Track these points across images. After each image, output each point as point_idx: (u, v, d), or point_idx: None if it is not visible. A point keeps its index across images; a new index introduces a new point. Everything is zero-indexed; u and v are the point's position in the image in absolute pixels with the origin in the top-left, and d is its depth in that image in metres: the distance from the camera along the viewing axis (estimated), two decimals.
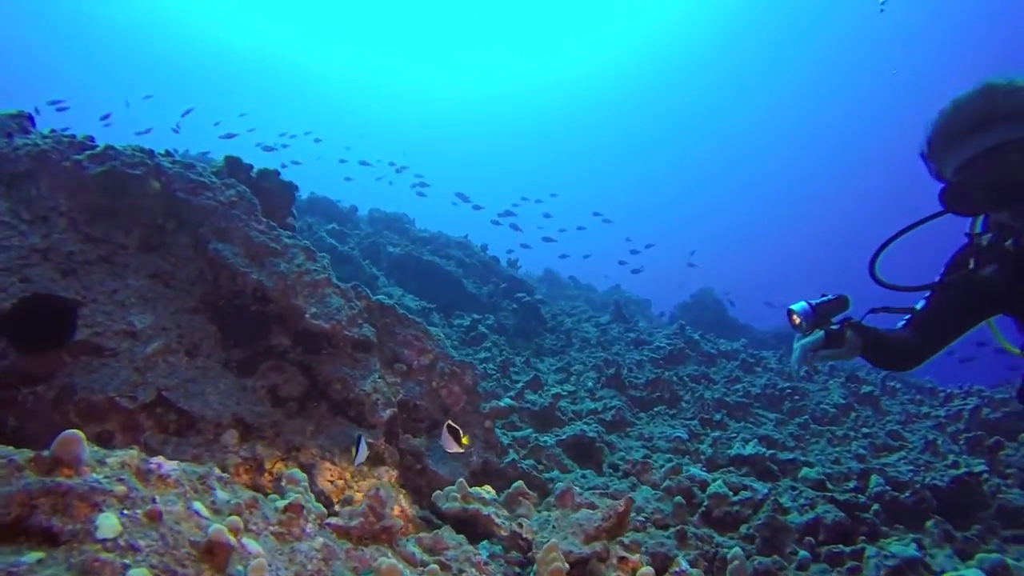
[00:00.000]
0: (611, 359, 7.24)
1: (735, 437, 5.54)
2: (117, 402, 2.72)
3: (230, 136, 12.40)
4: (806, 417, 6.94)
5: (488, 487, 2.76)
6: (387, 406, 3.35)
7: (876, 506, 4.48)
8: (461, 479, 2.65)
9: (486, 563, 2.17)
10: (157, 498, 1.29)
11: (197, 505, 1.33)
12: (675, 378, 7.13)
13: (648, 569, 1.78)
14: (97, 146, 3.26)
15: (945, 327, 2.20)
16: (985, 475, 5.59)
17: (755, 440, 5.18)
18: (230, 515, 1.39)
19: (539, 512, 2.66)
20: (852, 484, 5.29)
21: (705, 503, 3.65)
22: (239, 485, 1.60)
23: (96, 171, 3.14)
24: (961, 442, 6.77)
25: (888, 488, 5.08)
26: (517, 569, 2.36)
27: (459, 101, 53.73)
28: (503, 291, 10.35)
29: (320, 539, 1.61)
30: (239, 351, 3.30)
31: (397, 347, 3.69)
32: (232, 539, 1.29)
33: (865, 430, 6.74)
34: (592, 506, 2.51)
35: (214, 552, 1.25)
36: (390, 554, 1.80)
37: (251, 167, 3.98)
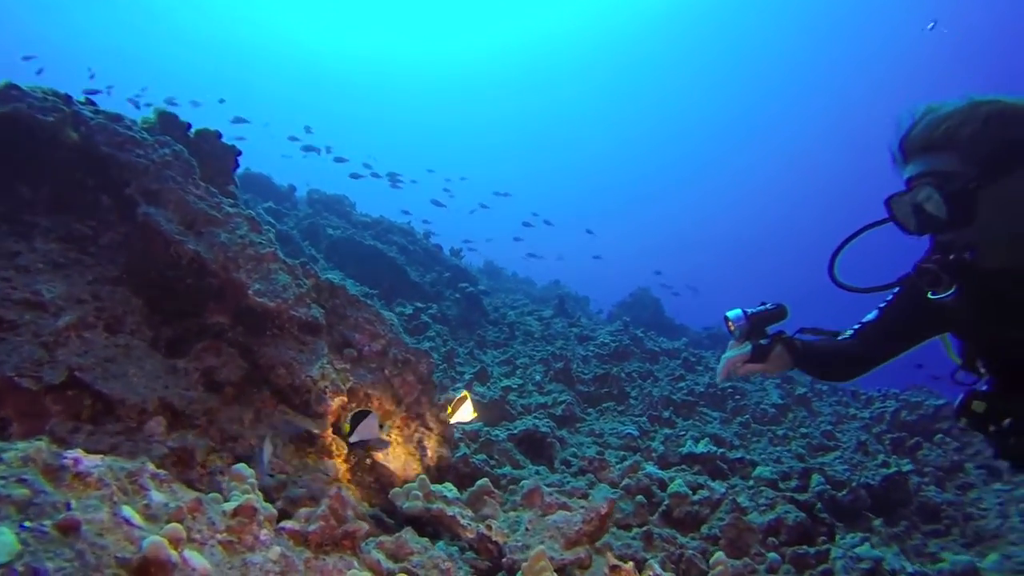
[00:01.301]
0: (560, 353, 7.11)
1: (684, 435, 5.50)
2: (16, 382, 2.32)
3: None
4: (747, 416, 7.03)
5: (450, 484, 2.53)
6: (336, 394, 3.06)
7: (819, 504, 4.54)
8: (423, 476, 2.41)
9: (453, 571, 1.94)
10: (73, 503, 1.00)
11: (127, 511, 1.04)
12: (623, 374, 7.07)
13: None
14: None
15: (894, 339, 2.17)
16: (911, 474, 5.81)
17: (706, 439, 5.14)
18: (169, 522, 1.11)
19: (505, 512, 2.45)
20: (794, 483, 5.36)
21: (665, 502, 3.54)
22: (178, 484, 1.30)
23: None
24: (886, 442, 7.03)
25: (828, 487, 5.17)
26: None
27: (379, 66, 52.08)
28: (446, 280, 10.07)
29: (277, 548, 1.34)
30: (169, 329, 2.93)
31: (347, 331, 3.39)
32: (173, 553, 1.01)
33: (803, 430, 6.88)
34: (566, 507, 2.32)
35: (150, 571, 0.98)
36: (356, 563, 1.54)
37: (188, 125, 3.56)
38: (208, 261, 2.87)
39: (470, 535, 2.20)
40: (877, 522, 4.35)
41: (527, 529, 2.12)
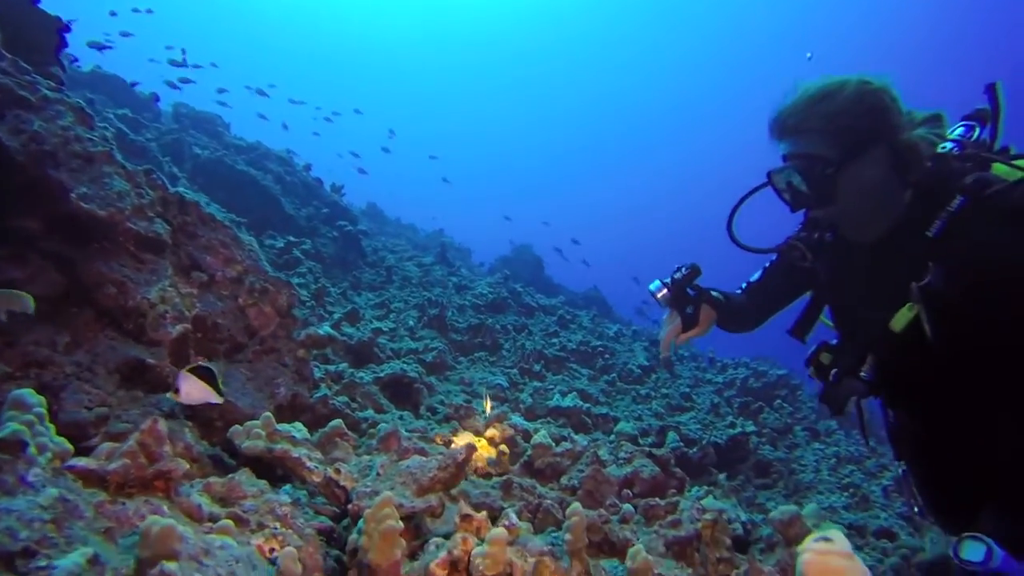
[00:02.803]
0: (435, 299, 6.94)
1: (552, 389, 5.58)
2: None
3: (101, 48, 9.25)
4: (614, 375, 7.29)
5: (299, 424, 2.32)
6: (177, 320, 2.71)
7: (672, 460, 4.80)
8: (267, 414, 2.18)
9: (292, 516, 1.76)
10: None
11: None
12: (498, 327, 7.06)
13: (499, 531, 1.51)
14: None
15: (772, 299, 2.39)
16: (752, 435, 6.32)
17: (573, 393, 5.24)
18: None
19: (359, 456, 2.29)
20: (651, 439, 5.64)
21: (528, 453, 3.53)
22: None
23: None
24: (735, 406, 7.59)
25: (681, 444, 5.48)
26: (330, 522, 1.98)
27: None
28: (324, 216, 9.51)
29: (52, 491, 1.09)
30: None
31: (197, 252, 3.01)
32: None
33: (664, 391, 7.25)
34: (422, 452, 2.19)
35: None
36: (166, 507, 1.32)
37: None
38: (12, 151, 2.38)
39: (316, 479, 2.02)
40: (720, 476, 4.67)
41: (378, 474, 1.97)
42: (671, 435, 5.54)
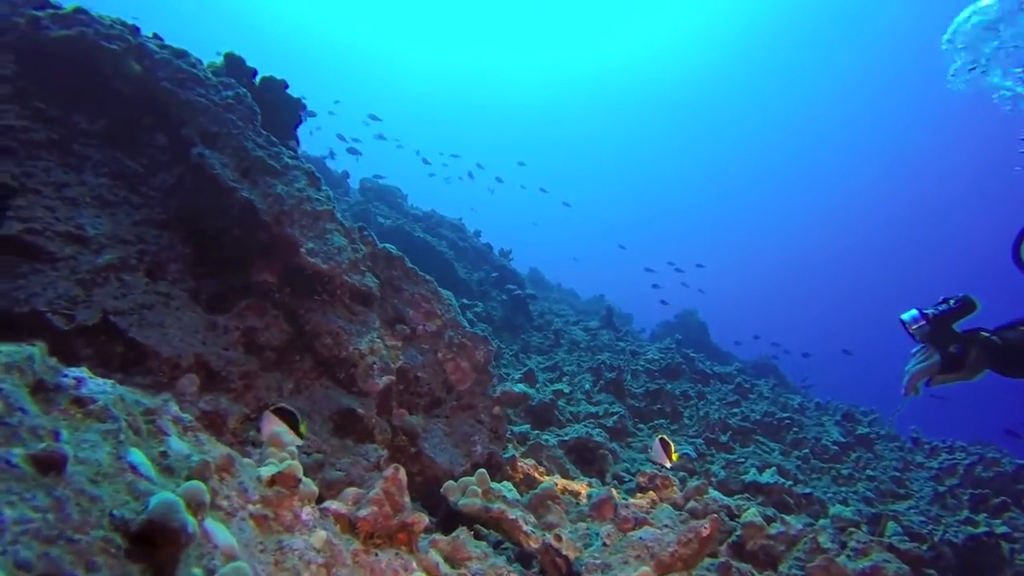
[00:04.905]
0: (611, 363, 6.72)
1: (744, 462, 5.05)
2: (47, 319, 2.09)
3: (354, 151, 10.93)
4: (807, 451, 6.51)
5: (508, 484, 2.20)
6: (384, 372, 2.77)
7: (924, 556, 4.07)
8: (482, 470, 2.08)
9: None
10: (64, 433, 0.71)
11: (136, 456, 0.75)
12: (677, 392, 6.65)
13: None
14: (64, 6, 2.62)
15: None
16: (1003, 538, 5.22)
17: (772, 468, 4.69)
18: (190, 479, 0.81)
19: (573, 523, 2.10)
20: (864, 528, 4.85)
21: (737, 532, 3.13)
22: (207, 435, 1.01)
23: (58, 34, 2.51)
24: (964, 498, 6.41)
25: (906, 537, 4.66)
26: None
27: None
28: (493, 280, 9.78)
29: (322, 533, 1.03)
30: (213, 282, 2.69)
31: (402, 305, 3.11)
32: (190, 520, 0.71)
33: (869, 472, 6.33)
34: (644, 522, 1.96)
35: (155, 540, 0.68)
36: (414, 564, 1.22)
37: (255, 71, 3.35)
38: (261, 211, 2.62)
39: (534, 544, 1.86)
40: None
41: (604, 544, 1.77)
42: (891, 526, 4.73)
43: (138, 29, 2.81)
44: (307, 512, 1.03)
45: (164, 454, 0.84)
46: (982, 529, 4.80)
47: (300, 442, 2.09)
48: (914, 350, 2.01)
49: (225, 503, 0.86)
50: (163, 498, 0.67)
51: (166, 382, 2.16)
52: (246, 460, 1.18)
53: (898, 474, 6.67)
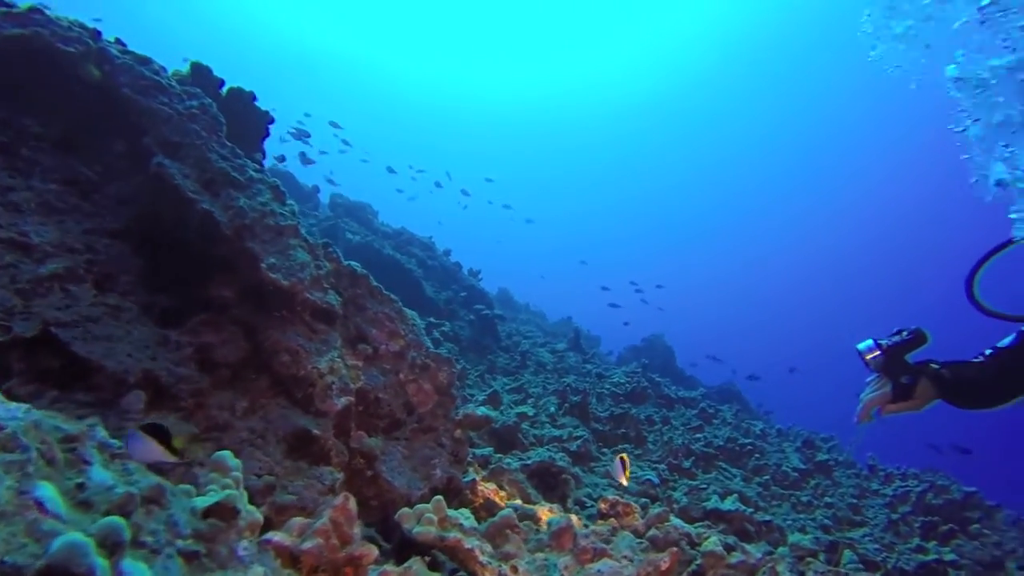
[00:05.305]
0: (577, 386, 6.70)
1: (706, 488, 5.05)
2: None
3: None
4: (768, 477, 6.56)
5: (466, 511, 2.14)
6: (343, 392, 2.69)
7: None
8: (439, 498, 2.02)
9: None
10: None
11: (43, 490, 0.68)
12: (641, 417, 6.65)
13: None
14: (18, 5, 2.53)
15: None
16: (950, 566, 5.31)
17: (733, 495, 4.70)
18: (108, 514, 0.75)
19: (531, 552, 2.05)
20: (821, 557, 4.89)
21: (697, 561, 3.10)
22: (136, 463, 0.94)
23: (10, 32, 2.41)
24: (916, 525, 6.52)
25: (861, 566, 4.72)
26: None
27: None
28: (462, 300, 9.73)
29: (259, 569, 0.97)
30: (167, 297, 2.59)
31: (365, 324, 3.04)
32: (100, 563, 0.65)
33: (827, 499, 6.40)
34: (602, 553, 1.92)
35: None
36: None
37: (222, 81, 3.28)
38: (221, 224, 2.54)
39: (489, 575, 1.80)
40: None
41: None
42: (847, 554, 4.78)
43: (99, 33, 2.73)
44: (244, 547, 0.97)
45: (82, 486, 0.78)
46: (932, 556, 4.88)
47: (174, 459, 1.95)
48: (868, 379, 2.06)
49: (150, 539, 0.79)
50: (68, 540, 0.61)
51: (109, 399, 2.06)
52: (183, 488, 1.11)
53: (855, 501, 6.77)
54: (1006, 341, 2.00)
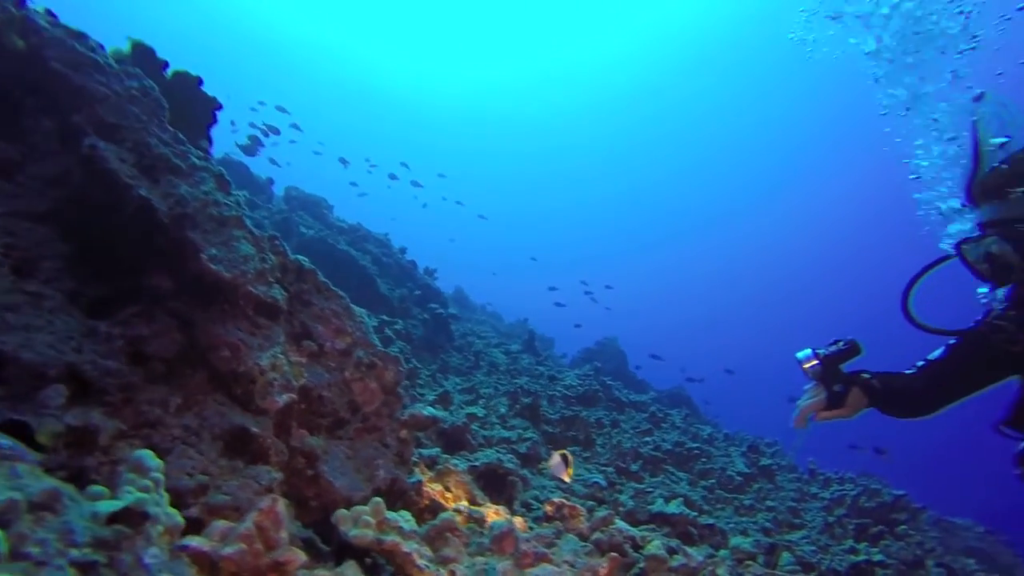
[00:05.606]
0: (528, 388, 6.69)
1: (652, 492, 5.11)
2: None
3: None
4: (713, 480, 6.69)
5: (406, 513, 2.09)
6: (285, 389, 2.60)
7: None
8: (377, 499, 1.97)
9: None
10: None
11: None
12: (591, 420, 6.69)
13: None
14: None
15: (963, 384, 2.06)
16: (878, 566, 5.51)
17: (679, 499, 4.76)
18: None
19: (471, 556, 2.02)
20: (760, 559, 5.00)
21: (640, 564, 3.13)
22: (32, 466, 0.87)
23: None
24: (850, 527, 6.75)
25: (799, 568, 4.84)
26: None
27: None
28: (416, 298, 9.63)
29: None
30: (98, 286, 2.45)
31: (310, 321, 2.95)
32: None
33: (768, 503, 6.56)
34: (546, 559, 1.90)
35: None
36: None
37: (166, 63, 3.14)
38: (159, 212, 2.42)
39: None
40: None
41: None
42: (785, 556, 4.90)
43: (24, 1, 2.57)
44: (152, 554, 0.91)
45: None
46: (862, 557, 5.04)
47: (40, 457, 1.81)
48: (806, 387, 2.15)
49: (36, 550, 0.73)
50: None
51: (24, 393, 1.93)
52: (94, 490, 1.03)
53: (794, 504, 6.96)
54: (935, 354, 2.10)
